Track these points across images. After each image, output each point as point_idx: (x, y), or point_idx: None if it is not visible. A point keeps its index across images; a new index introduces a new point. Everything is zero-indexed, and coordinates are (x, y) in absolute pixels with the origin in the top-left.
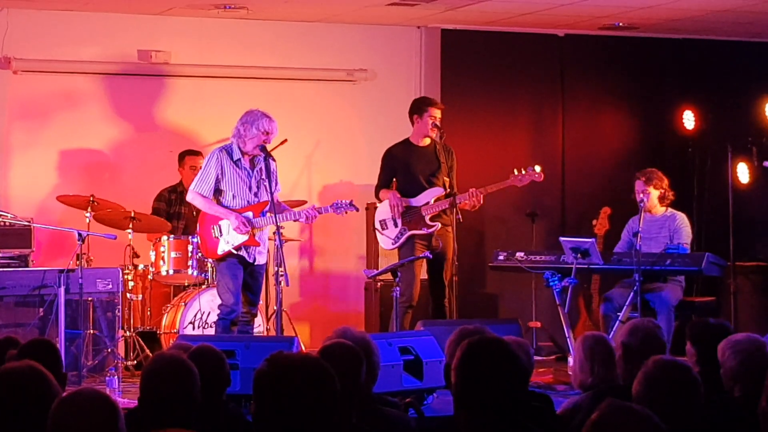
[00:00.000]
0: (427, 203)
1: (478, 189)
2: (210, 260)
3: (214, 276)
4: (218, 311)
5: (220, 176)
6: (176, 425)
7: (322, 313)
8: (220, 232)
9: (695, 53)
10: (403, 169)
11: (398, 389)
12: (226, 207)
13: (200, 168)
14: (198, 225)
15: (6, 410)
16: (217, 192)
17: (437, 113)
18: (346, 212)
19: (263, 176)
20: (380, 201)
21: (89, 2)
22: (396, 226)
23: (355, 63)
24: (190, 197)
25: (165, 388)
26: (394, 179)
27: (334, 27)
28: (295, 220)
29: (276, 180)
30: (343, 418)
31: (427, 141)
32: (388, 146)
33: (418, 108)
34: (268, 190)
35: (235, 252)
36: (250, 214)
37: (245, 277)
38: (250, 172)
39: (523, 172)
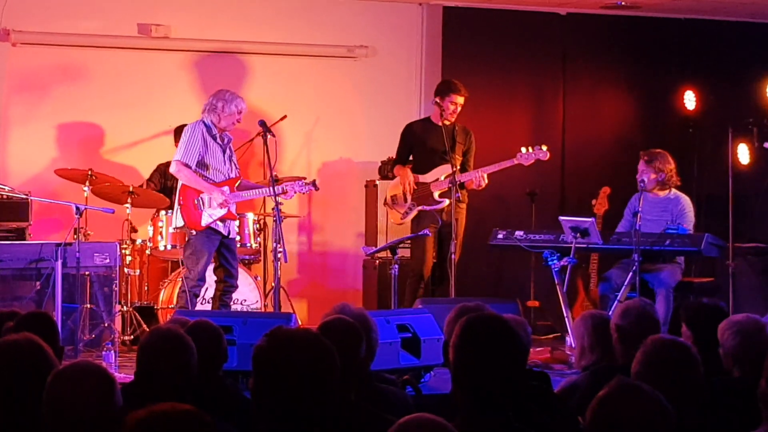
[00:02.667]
0: (437, 180)
1: (483, 168)
2: (193, 232)
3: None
4: (186, 283)
5: (203, 149)
6: (173, 399)
7: (320, 290)
8: (203, 204)
9: (697, 33)
10: (419, 146)
11: (396, 367)
12: (209, 180)
13: None
14: (179, 195)
15: (4, 382)
16: (202, 165)
17: (459, 100)
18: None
19: (231, 153)
20: (394, 176)
21: None
22: (406, 201)
23: (356, 40)
24: (175, 168)
25: (161, 362)
26: (411, 155)
27: (335, 3)
28: (276, 195)
29: (235, 161)
30: (341, 394)
31: (448, 122)
32: (388, 124)
33: (442, 91)
34: (270, 166)
35: (216, 225)
36: (227, 188)
37: (222, 250)
38: (223, 147)
39: (530, 150)
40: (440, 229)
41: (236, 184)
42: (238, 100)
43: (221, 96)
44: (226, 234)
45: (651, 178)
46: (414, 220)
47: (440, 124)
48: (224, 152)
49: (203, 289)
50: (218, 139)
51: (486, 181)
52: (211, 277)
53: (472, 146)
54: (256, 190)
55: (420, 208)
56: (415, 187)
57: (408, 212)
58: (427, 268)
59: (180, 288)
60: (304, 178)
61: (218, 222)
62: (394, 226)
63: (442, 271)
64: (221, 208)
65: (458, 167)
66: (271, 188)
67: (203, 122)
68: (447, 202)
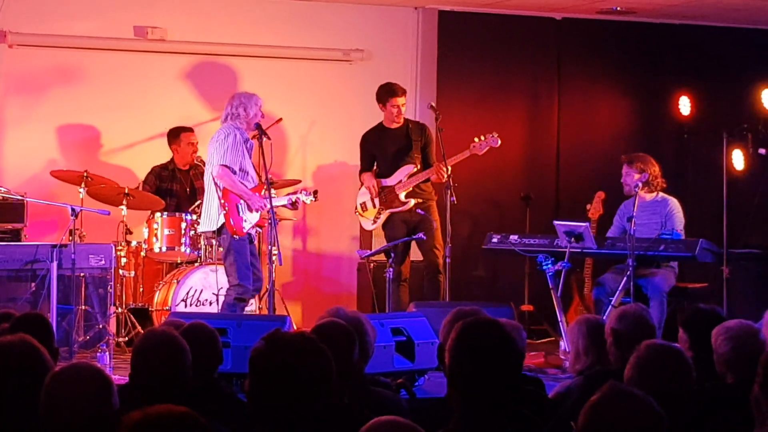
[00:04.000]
0: (400, 181)
1: (440, 162)
2: (236, 237)
3: (207, 253)
4: (234, 292)
5: (242, 154)
6: (167, 401)
7: (315, 293)
8: (242, 210)
9: (692, 39)
10: (378, 152)
11: (390, 370)
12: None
13: (197, 144)
14: (223, 200)
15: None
16: (242, 171)
17: (399, 101)
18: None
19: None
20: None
21: None
22: (375, 206)
23: (352, 43)
24: (221, 172)
25: (156, 364)
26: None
27: (331, 6)
28: (282, 206)
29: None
30: (335, 397)
31: (399, 123)
32: None
33: (381, 98)
34: (265, 169)
35: (252, 231)
36: (256, 195)
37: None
38: (250, 153)
39: (483, 138)
40: (411, 229)
41: (262, 190)
42: (254, 98)
43: (238, 101)
44: (254, 239)
45: (635, 179)
46: (386, 222)
47: (392, 127)
48: (251, 157)
49: (196, 292)
50: (247, 144)
51: (447, 172)
52: (205, 280)
53: (430, 140)
54: (276, 198)
55: (389, 211)
56: (380, 190)
57: (378, 218)
58: (405, 269)
59: (230, 297)
60: (299, 181)
61: (258, 227)
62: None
63: (432, 269)
64: (256, 212)
65: (420, 165)
66: (281, 198)
67: (235, 127)
68: (413, 202)
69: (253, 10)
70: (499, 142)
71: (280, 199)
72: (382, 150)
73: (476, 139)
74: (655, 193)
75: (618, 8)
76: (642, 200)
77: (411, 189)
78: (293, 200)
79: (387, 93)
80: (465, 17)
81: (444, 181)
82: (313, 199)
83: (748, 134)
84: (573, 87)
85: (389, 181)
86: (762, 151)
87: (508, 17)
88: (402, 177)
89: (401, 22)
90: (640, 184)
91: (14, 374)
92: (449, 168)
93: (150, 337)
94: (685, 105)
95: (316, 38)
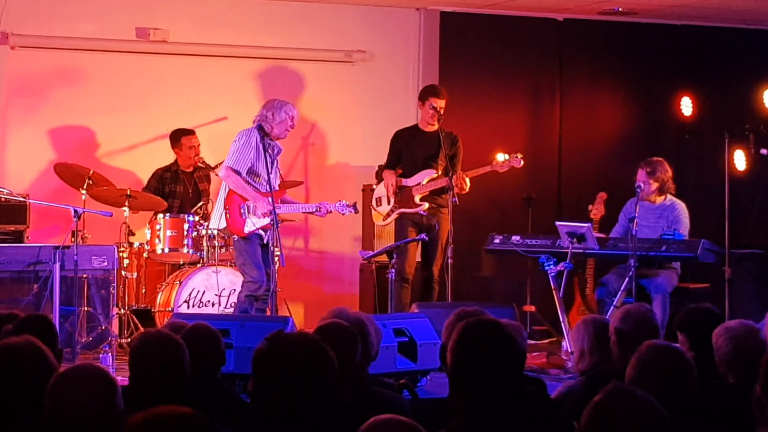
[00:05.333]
0: (419, 184)
1: (463, 172)
2: (236, 237)
3: (209, 255)
4: (245, 289)
5: (255, 157)
6: (168, 401)
7: (317, 294)
8: (248, 212)
9: (694, 40)
10: (405, 152)
11: (392, 371)
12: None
13: (199, 146)
14: (226, 200)
15: (4, 384)
16: (251, 173)
17: (438, 103)
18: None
19: (278, 164)
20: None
21: None
22: (389, 203)
23: (354, 44)
24: (225, 173)
25: (153, 364)
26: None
27: (333, 7)
28: (309, 213)
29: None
30: (338, 398)
31: (434, 127)
32: (385, 128)
33: (422, 96)
34: (267, 171)
35: (258, 232)
36: (263, 198)
37: (262, 256)
38: (272, 157)
39: (507, 159)
40: (419, 234)
41: (281, 196)
42: (287, 107)
43: (270, 106)
44: (265, 242)
45: (653, 189)
46: (396, 222)
47: (426, 130)
48: (273, 163)
49: (199, 293)
50: (269, 149)
51: (468, 183)
52: (208, 281)
53: (459, 152)
54: (295, 205)
55: (401, 210)
56: (397, 190)
57: (390, 214)
58: (410, 269)
59: (242, 294)
60: (301, 182)
61: (261, 230)
62: (391, 230)
63: (427, 276)
64: (264, 217)
65: (441, 172)
66: (308, 205)
67: (257, 129)
68: (426, 205)
69: (255, 11)
70: (522, 162)
71: (308, 206)
72: (410, 151)
73: (500, 157)
74: (663, 197)
75: (620, 9)
76: (650, 203)
77: (427, 193)
78: (319, 208)
79: (428, 92)
80: (467, 18)
81: (464, 191)
82: (353, 211)
83: (750, 134)
84: (575, 88)
85: (408, 182)
86: (763, 151)
87: (509, 18)
88: (421, 180)
89: (403, 23)
90: (647, 190)
91: (19, 375)
92: (467, 180)
93: (145, 336)
94: (686, 105)
95: (318, 39)
